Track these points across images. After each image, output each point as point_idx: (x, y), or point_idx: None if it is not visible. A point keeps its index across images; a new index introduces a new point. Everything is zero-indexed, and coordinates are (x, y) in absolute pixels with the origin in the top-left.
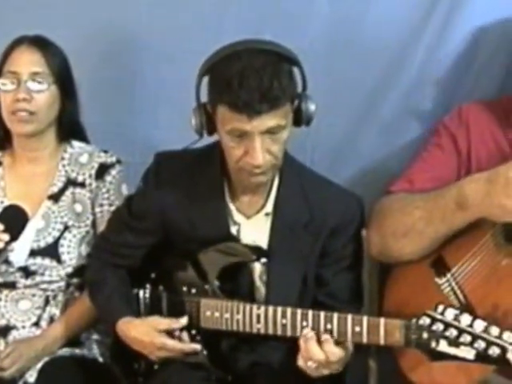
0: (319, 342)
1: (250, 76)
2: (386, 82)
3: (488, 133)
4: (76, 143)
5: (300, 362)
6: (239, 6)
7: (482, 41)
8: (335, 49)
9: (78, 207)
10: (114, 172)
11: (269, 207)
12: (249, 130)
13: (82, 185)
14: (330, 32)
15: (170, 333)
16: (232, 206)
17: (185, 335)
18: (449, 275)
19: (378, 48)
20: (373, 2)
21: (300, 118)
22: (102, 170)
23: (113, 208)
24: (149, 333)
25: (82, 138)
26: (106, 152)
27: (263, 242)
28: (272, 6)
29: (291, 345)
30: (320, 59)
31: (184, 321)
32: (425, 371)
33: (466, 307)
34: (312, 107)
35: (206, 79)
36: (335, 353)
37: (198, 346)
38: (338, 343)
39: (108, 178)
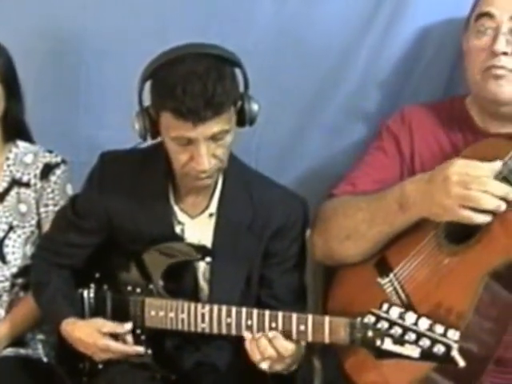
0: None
1: (194, 82)
2: (331, 82)
3: (431, 135)
4: (21, 143)
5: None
6: (184, 7)
7: (425, 42)
8: (280, 49)
9: (23, 207)
10: (58, 172)
11: (212, 208)
12: (194, 137)
13: (27, 185)
14: (274, 32)
15: (113, 334)
16: (176, 206)
17: (129, 337)
18: (391, 275)
19: (322, 48)
20: (317, 3)
21: (243, 119)
22: (47, 170)
23: (57, 208)
24: (92, 334)
25: (27, 137)
26: (50, 152)
27: (207, 243)
28: (217, 6)
29: (236, 345)
30: (264, 59)
31: (128, 326)
32: (367, 372)
33: (408, 307)
34: (255, 107)
35: (148, 83)
36: (287, 347)
37: (141, 349)
38: (287, 337)
39: (53, 178)
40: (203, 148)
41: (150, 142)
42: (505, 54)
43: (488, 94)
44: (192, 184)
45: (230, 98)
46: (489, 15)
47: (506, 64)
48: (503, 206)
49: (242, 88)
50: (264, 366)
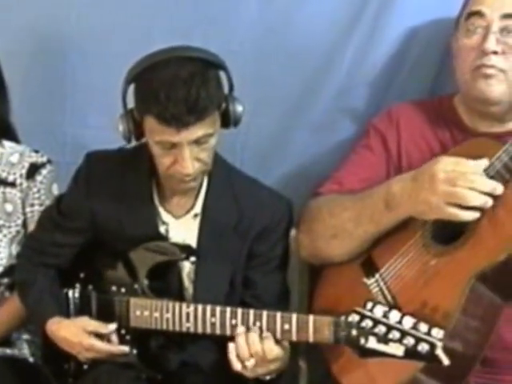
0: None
1: (178, 88)
2: (317, 82)
3: (418, 133)
4: (7, 143)
5: (236, 366)
6: (169, 9)
7: (412, 42)
8: (265, 50)
9: (9, 207)
10: (44, 172)
11: (197, 208)
12: (177, 142)
13: (13, 184)
14: (259, 34)
15: (98, 334)
16: (160, 207)
17: (114, 336)
18: (377, 275)
19: (308, 48)
20: (302, 3)
21: (228, 120)
22: (33, 170)
23: (43, 208)
24: (77, 334)
25: (13, 137)
26: (36, 152)
27: (192, 243)
28: (202, 8)
29: (221, 345)
30: (250, 60)
31: (112, 327)
32: (354, 373)
33: (394, 307)
34: (239, 108)
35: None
36: (273, 349)
37: (126, 348)
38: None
39: (39, 178)
40: (187, 152)
41: (134, 143)
42: (495, 53)
43: (478, 93)
44: (177, 186)
45: (213, 102)
46: (479, 14)
47: (495, 63)
48: (490, 202)
49: (226, 90)
50: (248, 364)
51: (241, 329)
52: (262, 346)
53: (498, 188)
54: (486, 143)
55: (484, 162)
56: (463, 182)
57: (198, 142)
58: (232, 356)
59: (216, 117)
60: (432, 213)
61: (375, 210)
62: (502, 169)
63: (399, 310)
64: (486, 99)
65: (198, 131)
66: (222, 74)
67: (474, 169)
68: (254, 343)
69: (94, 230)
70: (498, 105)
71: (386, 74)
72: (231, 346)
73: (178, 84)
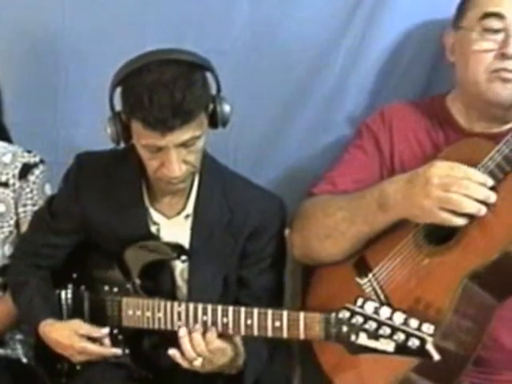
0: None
1: (161, 92)
2: (309, 83)
3: (411, 134)
4: None
5: (184, 364)
6: (161, 8)
7: (405, 42)
8: (257, 50)
9: (1, 207)
10: (37, 172)
11: (189, 209)
12: (163, 145)
13: (6, 185)
14: (251, 34)
15: (91, 336)
16: (151, 207)
17: (106, 339)
18: (370, 275)
19: (300, 49)
20: (294, 4)
21: (216, 121)
22: (26, 170)
23: (36, 208)
24: (70, 336)
25: (5, 137)
26: (29, 152)
27: (184, 244)
28: (193, 7)
29: None
30: (242, 60)
31: (105, 331)
32: (346, 373)
33: (385, 305)
34: (227, 109)
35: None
36: (215, 342)
37: (118, 351)
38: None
39: (31, 178)
40: (173, 155)
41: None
42: None
43: (492, 96)
44: (165, 188)
45: (200, 104)
46: (498, 16)
47: None
48: (483, 210)
49: (214, 90)
50: (196, 363)
51: (183, 331)
52: (206, 344)
53: (492, 196)
54: (479, 144)
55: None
56: (457, 187)
57: (185, 144)
58: (178, 359)
59: (203, 118)
60: (425, 217)
61: (369, 211)
62: (495, 168)
63: (391, 307)
64: (500, 103)
65: (184, 134)
66: (210, 76)
67: (468, 175)
68: (198, 345)
69: (86, 230)
70: (509, 110)
71: (378, 75)
72: (172, 351)
73: (160, 88)
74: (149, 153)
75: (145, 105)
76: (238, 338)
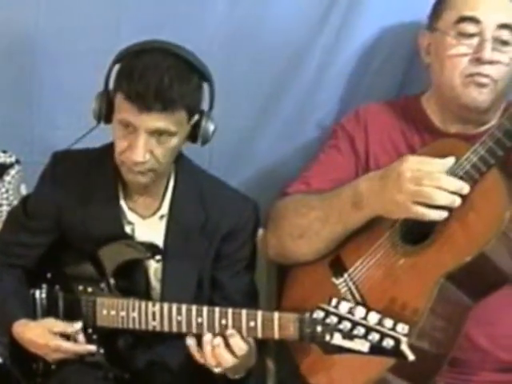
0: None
1: (153, 73)
2: (284, 83)
3: (386, 134)
4: None
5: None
6: (137, 9)
7: (379, 42)
8: (234, 49)
9: None
10: (12, 172)
11: (164, 209)
12: (137, 125)
13: None
14: (228, 33)
15: (65, 334)
16: (126, 206)
17: (80, 336)
18: (346, 275)
19: (276, 48)
20: (270, 2)
21: (197, 135)
22: (1, 170)
23: None
24: (44, 335)
25: None
26: (4, 152)
27: (159, 244)
28: (170, 5)
29: None
30: (218, 59)
31: (78, 325)
32: (322, 373)
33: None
34: (211, 127)
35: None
36: (241, 347)
37: (93, 348)
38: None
39: (7, 178)
40: (141, 139)
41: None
42: (490, 62)
43: (468, 101)
44: (127, 178)
45: (184, 100)
46: (474, 20)
47: (491, 73)
48: (458, 201)
49: (205, 106)
50: (217, 370)
51: (208, 336)
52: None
53: (465, 188)
54: (455, 144)
55: (451, 161)
56: (429, 180)
57: (157, 133)
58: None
59: (183, 120)
60: (399, 212)
61: (342, 210)
62: (471, 169)
63: (366, 307)
64: (476, 107)
65: (159, 121)
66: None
67: (439, 167)
68: (220, 355)
69: (61, 230)
70: (485, 113)
71: (354, 74)
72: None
73: (154, 70)
74: (121, 131)
75: (133, 78)
76: (251, 339)
